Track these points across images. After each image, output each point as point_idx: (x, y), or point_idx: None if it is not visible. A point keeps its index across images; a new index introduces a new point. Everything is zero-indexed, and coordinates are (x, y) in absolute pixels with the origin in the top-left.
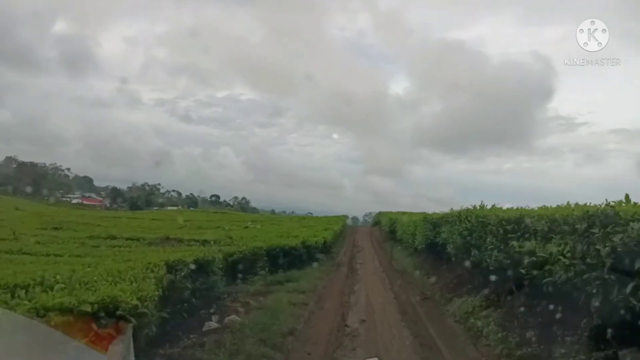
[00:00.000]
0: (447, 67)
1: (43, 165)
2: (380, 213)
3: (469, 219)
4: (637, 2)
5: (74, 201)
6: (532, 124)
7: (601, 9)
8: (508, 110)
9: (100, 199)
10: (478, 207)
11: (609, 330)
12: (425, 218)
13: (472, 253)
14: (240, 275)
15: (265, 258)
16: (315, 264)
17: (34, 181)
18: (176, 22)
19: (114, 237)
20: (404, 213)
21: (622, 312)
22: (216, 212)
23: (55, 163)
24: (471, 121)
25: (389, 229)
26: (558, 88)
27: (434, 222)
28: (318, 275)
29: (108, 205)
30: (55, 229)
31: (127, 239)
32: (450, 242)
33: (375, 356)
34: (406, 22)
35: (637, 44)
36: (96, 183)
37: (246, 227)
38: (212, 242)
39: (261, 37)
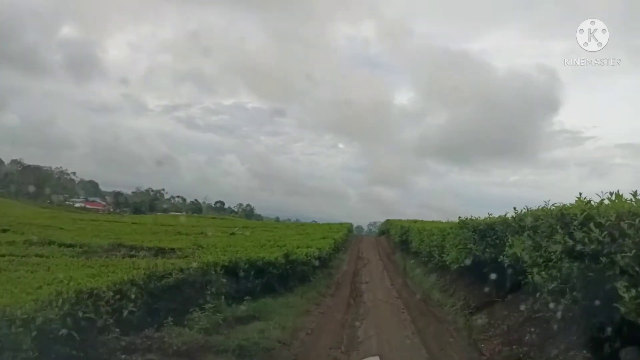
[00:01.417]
0: (452, 78)
1: (49, 168)
2: (388, 221)
3: (603, 220)
4: None
5: (77, 205)
6: (538, 136)
7: (608, 24)
8: (514, 123)
9: (103, 203)
10: (612, 199)
11: None
12: (464, 224)
13: (627, 294)
14: (175, 309)
15: (224, 280)
16: (304, 285)
17: (37, 184)
18: (184, 30)
19: (50, 243)
20: (415, 221)
21: None
22: (214, 218)
23: (61, 167)
24: (476, 133)
25: (399, 239)
26: (564, 101)
27: (482, 230)
28: (304, 306)
29: (111, 209)
30: (3, 231)
31: (66, 245)
32: (532, 264)
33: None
34: (412, 33)
35: None
36: (102, 188)
37: (232, 234)
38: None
39: (268, 47)
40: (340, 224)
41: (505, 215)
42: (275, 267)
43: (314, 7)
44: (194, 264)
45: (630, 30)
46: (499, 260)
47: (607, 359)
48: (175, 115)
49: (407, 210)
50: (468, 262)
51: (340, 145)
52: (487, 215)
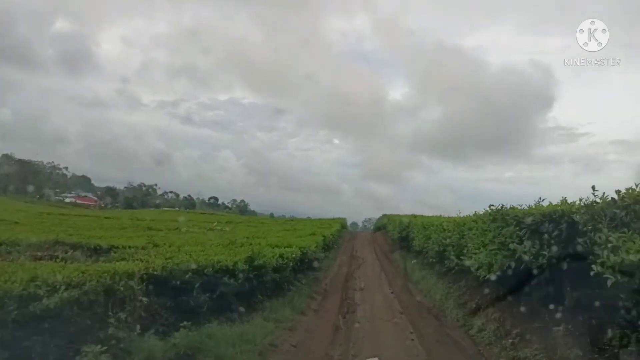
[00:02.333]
0: (447, 73)
1: (40, 163)
2: (385, 216)
3: None
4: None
5: (67, 200)
6: (532, 132)
7: (602, 19)
8: (508, 119)
9: (95, 198)
10: None
11: None
12: (502, 215)
13: None
14: (58, 347)
15: (144, 298)
16: (278, 299)
17: (28, 179)
18: (179, 25)
19: None
20: (415, 216)
21: None
22: (203, 213)
23: (53, 162)
24: (471, 128)
25: (399, 236)
26: (558, 97)
27: (534, 224)
28: (268, 335)
29: (103, 205)
30: None
31: None
32: None
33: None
34: (407, 29)
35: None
36: (96, 183)
37: (210, 230)
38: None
39: (263, 42)
40: (333, 219)
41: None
42: (234, 276)
43: (309, 2)
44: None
45: (626, 27)
46: (576, 268)
47: None
48: (170, 111)
49: (402, 206)
50: (507, 269)
51: (336, 141)
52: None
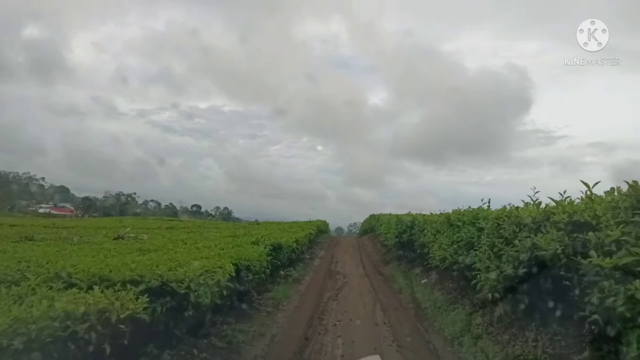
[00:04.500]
0: (425, 78)
1: (16, 174)
2: (373, 217)
3: None
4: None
5: (41, 211)
6: (511, 136)
7: (580, 24)
8: (487, 122)
9: (72, 208)
10: None
11: None
12: None
13: None
14: None
15: None
16: None
17: (1, 190)
18: (159, 33)
19: None
20: (411, 215)
21: None
22: (172, 220)
23: (29, 172)
24: (451, 132)
25: (396, 241)
26: (536, 100)
27: None
28: None
29: (80, 215)
30: None
31: None
32: None
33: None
34: (385, 34)
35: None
36: (76, 193)
37: (119, 238)
38: None
39: (246, 51)
40: (309, 221)
41: None
42: None
43: (287, 8)
44: None
45: (604, 32)
46: None
47: None
48: (151, 119)
49: (385, 210)
50: None
51: (319, 147)
52: None
